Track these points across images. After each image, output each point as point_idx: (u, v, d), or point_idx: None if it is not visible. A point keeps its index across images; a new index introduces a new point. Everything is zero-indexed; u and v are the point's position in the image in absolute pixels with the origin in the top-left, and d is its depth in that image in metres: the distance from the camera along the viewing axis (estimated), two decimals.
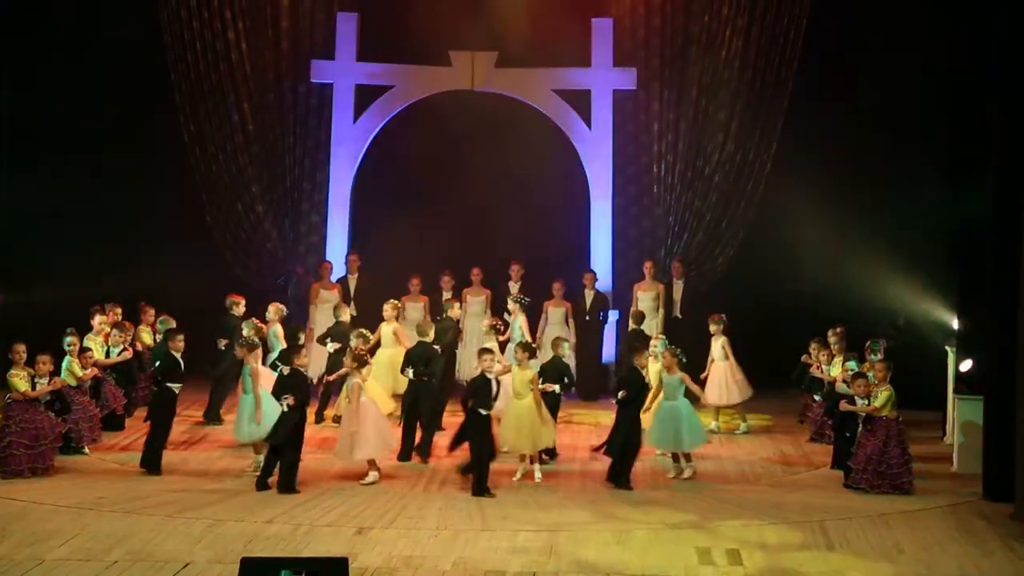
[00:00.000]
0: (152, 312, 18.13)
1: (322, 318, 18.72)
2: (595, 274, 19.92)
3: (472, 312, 19.30)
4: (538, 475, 14.33)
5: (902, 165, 18.90)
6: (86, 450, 15.38)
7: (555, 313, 19.25)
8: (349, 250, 20.51)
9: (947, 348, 16.57)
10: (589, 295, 19.66)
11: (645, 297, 19.67)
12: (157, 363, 15.09)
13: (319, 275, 19.87)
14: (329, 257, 20.35)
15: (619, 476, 14.09)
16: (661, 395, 14.78)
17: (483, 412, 13.85)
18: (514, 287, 19.47)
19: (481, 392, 13.93)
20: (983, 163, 14.42)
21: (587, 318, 19.45)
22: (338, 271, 20.09)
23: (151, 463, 14.47)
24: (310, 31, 20.86)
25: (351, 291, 19.82)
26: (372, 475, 14.12)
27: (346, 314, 17.67)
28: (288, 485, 13.59)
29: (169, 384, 14.64)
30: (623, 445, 14.17)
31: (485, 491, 13.61)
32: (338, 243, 20.76)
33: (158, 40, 20.16)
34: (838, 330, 16.44)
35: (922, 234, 18.32)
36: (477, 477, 13.72)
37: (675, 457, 14.75)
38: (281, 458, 13.69)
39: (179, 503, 13.08)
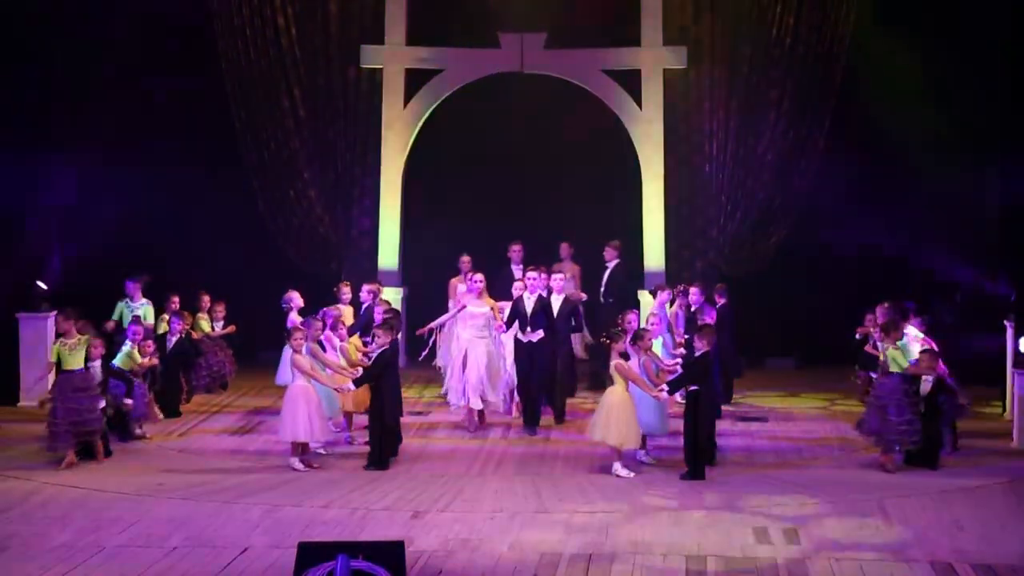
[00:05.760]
0: (209, 299, 18.33)
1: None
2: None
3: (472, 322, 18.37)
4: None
5: (957, 139, 18.67)
6: (146, 434, 15.50)
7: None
8: (462, 253, 18.69)
9: (1005, 323, 16.42)
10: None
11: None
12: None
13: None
14: (382, 242, 20.40)
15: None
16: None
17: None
18: (517, 271, 17.85)
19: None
20: None
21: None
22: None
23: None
24: (359, 15, 20.86)
25: None
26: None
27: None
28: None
29: None
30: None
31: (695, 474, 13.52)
32: (389, 227, 20.79)
33: (209, 27, 20.24)
34: (886, 306, 16.30)
35: (979, 208, 18.14)
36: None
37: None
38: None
39: (237, 489, 13.17)
